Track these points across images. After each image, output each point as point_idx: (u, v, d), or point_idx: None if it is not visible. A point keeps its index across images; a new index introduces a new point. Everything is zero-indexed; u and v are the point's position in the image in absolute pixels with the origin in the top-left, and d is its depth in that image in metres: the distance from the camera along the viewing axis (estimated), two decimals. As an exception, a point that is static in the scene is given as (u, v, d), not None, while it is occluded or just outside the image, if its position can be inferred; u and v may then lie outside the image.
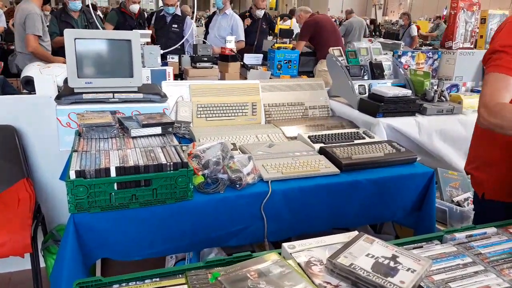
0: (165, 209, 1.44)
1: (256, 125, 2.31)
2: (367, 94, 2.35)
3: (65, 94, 1.84)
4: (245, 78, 3.88)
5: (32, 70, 2.45)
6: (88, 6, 4.08)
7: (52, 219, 2.28)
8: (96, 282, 0.80)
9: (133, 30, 4.24)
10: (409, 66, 2.65)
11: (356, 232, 0.93)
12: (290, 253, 0.85)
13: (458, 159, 2.22)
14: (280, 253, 0.85)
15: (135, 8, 4.53)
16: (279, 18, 4.68)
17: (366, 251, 0.81)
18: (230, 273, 0.73)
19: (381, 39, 3.49)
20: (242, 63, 3.99)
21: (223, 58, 3.77)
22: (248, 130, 2.16)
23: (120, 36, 1.92)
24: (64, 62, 3.45)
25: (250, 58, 4.04)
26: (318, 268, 0.80)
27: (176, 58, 3.78)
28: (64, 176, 1.94)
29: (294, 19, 5.00)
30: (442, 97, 2.36)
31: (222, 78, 3.69)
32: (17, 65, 3.78)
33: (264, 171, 1.66)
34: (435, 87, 2.46)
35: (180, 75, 3.73)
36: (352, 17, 7.06)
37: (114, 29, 4.36)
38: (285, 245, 0.87)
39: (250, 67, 3.91)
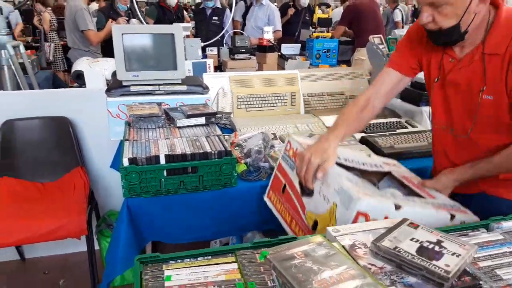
0: (211, 195, 1.51)
1: (295, 115, 2.33)
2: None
3: (114, 86, 1.94)
4: (283, 69, 3.89)
5: (82, 64, 2.59)
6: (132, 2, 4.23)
7: (104, 205, 2.42)
8: (154, 258, 0.87)
9: (172, 23, 4.37)
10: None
11: (399, 218, 0.94)
12: (335, 236, 0.88)
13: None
14: (324, 236, 0.88)
15: (173, 1, 4.64)
16: (317, 7, 4.62)
17: (410, 236, 0.83)
18: (278, 252, 0.78)
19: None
20: (279, 53, 4.00)
21: (261, 49, 3.80)
22: (288, 120, 2.19)
23: (163, 30, 2.00)
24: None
25: (287, 48, 4.04)
26: (362, 250, 0.83)
27: (215, 50, 3.85)
28: (115, 164, 2.06)
29: (335, 10, 4.93)
30: None
31: (260, 69, 3.73)
32: (70, 60, 4.01)
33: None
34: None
35: (219, 67, 3.81)
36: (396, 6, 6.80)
37: (154, 23, 4.50)
38: (329, 228, 0.90)
39: (288, 57, 3.91)
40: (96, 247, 2.18)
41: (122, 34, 1.86)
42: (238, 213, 1.58)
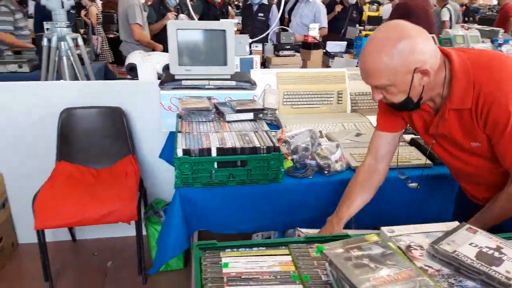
0: (258, 189, 1.55)
1: (341, 113, 2.32)
2: (462, 84, 2.23)
3: (167, 80, 2.02)
4: (327, 66, 3.87)
5: (135, 58, 2.70)
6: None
7: (151, 193, 2.52)
8: (212, 245, 0.92)
9: (217, 18, 4.45)
10: (511, 55, 2.46)
11: (456, 223, 0.94)
12: (390, 237, 0.89)
13: None
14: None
15: None
16: (367, 5, 4.54)
17: (469, 240, 0.82)
18: (334, 248, 0.80)
19: (476, 25, 3.23)
20: (324, 50, 3.97)
21: (306, 46, 3.79)
22: (334, 118, 2.19)
23: (216, 26, 2.05)
24: (162, 50, 3.74)
25: (333, 46, 4.01)
26: (418, 252, 0.84)
27: (260, 47, 3.88)
28: (164, 154, 2.14)
29: (384, 7, 4.83)
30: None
31: (304, 66, 3.72)
32: (121, 52, 4.17)
33: (352, 159, 1.69)
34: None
35: (263, 63, 3.83)
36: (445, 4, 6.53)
37: (199, 18, 4.59)
38: (384, 228, 0.91)
39: (333, 54, 3.88)
40: (143, 232, 2.28)
41: (177, 29, 1.92)
42: (283, 208, 1.61)
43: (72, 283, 2.24)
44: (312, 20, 4.50)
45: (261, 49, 3.84)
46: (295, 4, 4.95)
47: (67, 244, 2.55)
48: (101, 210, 1.96)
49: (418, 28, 1.10)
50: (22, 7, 4.12)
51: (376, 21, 3.90)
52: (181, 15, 4.28)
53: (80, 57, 2.76)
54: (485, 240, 0.82)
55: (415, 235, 0.89)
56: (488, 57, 1.15)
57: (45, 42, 2.61)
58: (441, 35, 2.85)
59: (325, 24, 4.62)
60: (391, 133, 1.39)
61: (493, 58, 1.14)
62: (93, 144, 2.33)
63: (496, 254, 0.78)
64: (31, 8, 4.37)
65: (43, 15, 4.08)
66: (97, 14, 6.16)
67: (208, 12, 4.71)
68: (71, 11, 3.10)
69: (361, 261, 0.75)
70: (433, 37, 2.46)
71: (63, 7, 2.53)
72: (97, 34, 5.93)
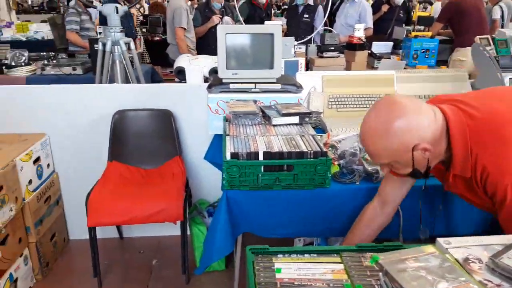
0: (304, 194, 1.55)
1: (389, 117, 2.27)
2: (520, 87, 2.12)
3: (215, 84, 2.06)
4: (373, 67, 3.79)
5: (183, 61, 2.78)
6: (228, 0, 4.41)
7: (195, 194, 2.59)
8: (264, 250, 0.93)
9: (263, 20, 4.47)
10: None
11: (516, 236, 0.90)
12: (446, 248, 0.86)
13: None
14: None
15: None
16: (418, 4, 4.40)
17: (533, 256, 0.79)
18: (390, 258, 0.79)
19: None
20: (370, 51, 3.89)
21: (350, 47, 3.72)
22: (381, 122, 2.14)
23: (264, 30, 2.07)
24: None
25: (379, 47, 3.93)
26: (477, 265, 0.81)
27: (303, 48, 3.86)
28: (208, 156, 2.19)
29: (434, 6, 4.67)
30: None
31: (348, 67, 3.66)
32: (168, 55, 4.31)
33: (401, 164, 1.65)
34: None
35: (306, 64, 3.81)
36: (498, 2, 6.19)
37: (244, 21, 4.64)
38: (440, 240, 0.89)
39: (379, 56, 3.80)
40: (187, 232, 2.34)
41: (226, 34, 1.96)
42: (329, 214, 1.60)
43: (119, 279, 2.33)
44: (357, 20, 4.42)
45: (304, 50, 3.83)
46: (339, 5, 4.89)
47: (114, 241, 2.66)
48: (149, 209, 2.03)
49: (411, 102, 1.10)
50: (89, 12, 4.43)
51: (427, 21, 3.77)
52: (226, 18, 4.36)
53: (131, 61, 2.88)
54: (552, 256, 0.78)
55: (473, 247, 0.86)
56: (490, 130, 1.08)
57: (100, 46, 2.75)
58: (494, 35, 2.71)
59: (370, 24, 4.54)
60: (402, 179, 1.34)
61: (496, 131, 1.07)
62: (143, 145, 2.42)
63: None
64: (93, 16, 4.67)
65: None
66: (136, 15, 6.40)
67: (254, 14, 4.76)
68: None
69: (418, 273, 0.74)
70: (487, 38, 2.36)
71: (117, 12, 2.65)
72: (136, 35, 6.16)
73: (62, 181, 2.53)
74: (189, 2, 5.17)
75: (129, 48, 2.78)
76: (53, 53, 4.12)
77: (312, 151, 1.52)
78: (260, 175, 1.51)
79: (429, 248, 0.82)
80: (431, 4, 4.66)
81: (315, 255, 0.93)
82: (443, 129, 1.11)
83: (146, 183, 2.26)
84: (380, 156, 1.15)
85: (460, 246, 0.86)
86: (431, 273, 0.74)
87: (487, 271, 0.79)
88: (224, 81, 2.06)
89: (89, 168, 2.41)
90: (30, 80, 3.53)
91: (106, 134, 2.36)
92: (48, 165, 2.40)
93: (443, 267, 0.75)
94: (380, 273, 0.78)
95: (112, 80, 2.82)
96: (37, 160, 2.26)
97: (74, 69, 3.67)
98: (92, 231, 2.09)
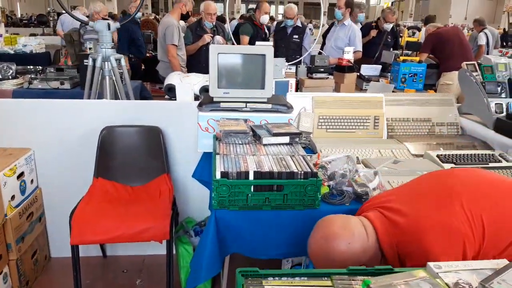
0: (294, 214, 1.54)
1: (377, 139, 2.29)
2: (504, 113, 2.17)
3: (206, 102, 2.06)
4: (361, 90, 3.85)
5: (174, 79, 2.78)
6: (224, 20, 4.46)
7: (182, 211, 2.55)
8: (254, 272, 0.91)
9: (265, 40, 4.54)
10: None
11: (505, 261, 0.90)
12: (437, 273, 0.86)
13: None
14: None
15: (265, 19, 4.82)
16: (406, 30, 4.53)
17: (523, 282, 0.79)
18: (381, 282, 0.78)
19: (515, 51, 3.18)
20: (358, 74, 3.96)
21: (339, 69, 3.80)
22: (370, 144, 2.16)
23: (256, 51, 2.08)
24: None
25: (367, 69, 4.01)
26: (469, 291, 0.80)
27: (293, 69, 3.92)
28: (196, 174, 2.17)
29: (422, 32, 4.81)
30: None
31: (337, 89, 3.72)
32: (158, 71, 4.31)
33: (390, 188, 1.66)
34: None
35: (296, 85, 3.86)
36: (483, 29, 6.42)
37: (249, 40, 4.70)
38: (430, 264, 0.88)
39: (368, 78, 3.87)
40: (173, 252, 2.29)
41: (218, 53, 1.97)
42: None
43: (102, 300, 2.26)
44: (346, 43, 4.51)
45: (294, 71, 3.88)
46: (330, 28, 4.99)
47: (97, 260, 2.59)
48: (134, 228, 1.98)
49: (346, 231, 1.23)
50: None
51: (414, 46, 3.90)
52: (217, 37, 4.40)
53: (121, 77, 2.87)
54: (542, 283, 0.78)
55: (463, 272, 0.86)
56: (414, 241, 1.16)
57: (90, 62, 2.73)
58: (480, 61, 2.78)
59: (359, 47, 4.63)
60: None
61: (419, 242, 1.15)
62: (130, 162, 2.39)
63: (556, 299, 0.74)
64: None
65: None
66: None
67: (257, 34, 4.84)
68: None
69: (410, 299, 0.73)
70: (474, 64, 2.42)
71: (109, 29, 2.65)
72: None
73: (46, 197, 2.47)
74: (182, 21, 5.22)
75: (119, 64, 2.77)
76: (40, 67, 4.08)
77: (302, 172, 1.51)
78: (250, 194, 1.49)
79: (420, 273, 0.81)
80: (419, 30, 4.80)
81: (306, 278, 0.91)
82: (376, 246, 1.24)
83: (132, 201, 2.22)
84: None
85: (451, 271, 0.86)
86: (423, 299, 0.73)
87: (479, 297, 0.79)
88: (215, 99, 2.06)
89: (74, 185, 2.36)
90: (17, 93, 3.48)
91: (93, 150, 2.32)
92: (32, 180, 2.34)
93: (434, 292, 0.75)
94: (372, 298, 0.77)
95: (100, 96, 2.79)
96: (20, 175, 2.21)
97: (62, 83, 3.64)
98: (74, 249, 2.03)
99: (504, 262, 0.90)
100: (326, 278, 0.91)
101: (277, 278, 0.91)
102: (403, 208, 1.23)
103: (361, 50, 4.66)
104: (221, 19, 5.66)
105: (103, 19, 4.06)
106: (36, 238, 2.36)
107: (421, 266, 1.04)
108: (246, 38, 4.74)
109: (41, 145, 2.38)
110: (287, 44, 4.73)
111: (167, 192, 2.25)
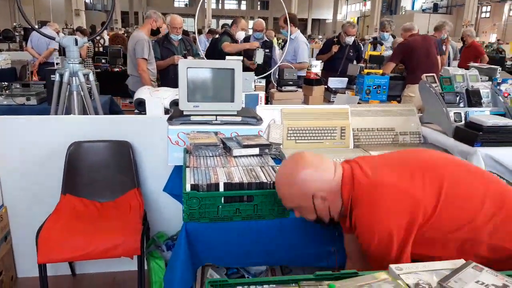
0: (264, 224, 1.56)
1: (344, 149, 2.36)
2: (463, 122, 2.29)
3: (176, 115, 2.07)
4: (329, 101, 3.95)
5: (143, 93, 2.77)
6: (188, 34, 4.48)
7: (154, 226, 2.52)
8: (223, 282, 0.93)
9: (241, 55, 4.58)
10: (509, 94, 2.53)
11: (462, 261, 0.95)
12: (398, 274, 0.90)
13: None
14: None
15: (241, 35, 4.88)
16: (370, 44, 4.70)
17: (475, 278, 0.84)
18: (345, 285, 0.81)
19: (475, 64, 3.34)
20: (326, 86, 4.07)
21: (308, 82, 3.89)
22: (337, 153, 2.22)
23: (225, 65, 2.12)
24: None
25: (334, 82, 4.12)
26: (427, 290, 0.85)
27: (263, 82, 3.98)
28: (167, 188, 2.16)
29: (384, 46, 5.00)
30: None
31: (306, 101, 3.81)
32: (128, 86, 4.27)
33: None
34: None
35: (266, 98, 3.92)
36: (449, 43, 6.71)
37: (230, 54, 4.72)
38: (392, 266, 0.93)
39: (335, 90, 3.98)
40: (145, 267, 2.26)
41: (187, 68, 1.99)
42: (290, 244, 1.61)
43: (72, 319, 2.20)
44: (293, 55, 4.63)
45: (264, 84, 3.94)
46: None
47: (66, 279, 2.52)
48: (104, 244, 1.96)
49: (315, 158, 1.34)
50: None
51: (377, 59, 4.03)
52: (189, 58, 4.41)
53: (90, 92, 2.84)
54: (491, 278, 0.84)
55: (423, 272, 0.90)
56: (367, 193, 1.26)
57: (57, 77, 2.69)
58: (440, 73, 2.92)
59: (303, 59, 4.71)
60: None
61: (370, 195, 1.26)
62: (99, 177, 2.36)
63: (504, 293, 0.79)
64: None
65: None
66: (88, 47, 6.42)
67: None
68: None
69: (372, 299, 0.76)
70: (433, 76, 2.54)
71: (76, 44, 2.63)
72: (87, 67, 6.14)
73: (12, 215, 2.40)
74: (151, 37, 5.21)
75: (87, 79, 2.75)
76: (6, 83, 3.97)
77: (272, 182, 1.54)
78: (220, 206, 1.51)
79: (382, 275, 0.85)
80: (381, 44, 4.98)
81: (274, 285, 0.93)
82: (339, 184, 1.32)
83: (101, 217, 2.19)
84: (286, 200, 1.39)
85: (411, 272, 0.91)
86: (384, 299, 0.76)
87: (436, 295, 0.83)
88: (185, 113, 2.07)
89: (41, 202, 2.30)
90: (-18, 110, 3.37)
91: (60, 166, 2.28)
92: (-4, 199, 2.27)
93: (395, 292, 0.79)
94: (337, 301, 0.80)
95: (68, 111, 2.75)
96: (-16, 194, 2.14)
97: (28, 99, 3.55)
98: (42, 268, 1.98)
99: (461, 261, 0.95)
100: (294, 284, 0.94)
101: (246, 286, 0.93)
102: (369, 172, 1.31)
103: (307, 61, 4.77)
104: (185, 33, 5.68)
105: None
106: (1, 258, 2.28)
107: (367, 226, 1.22)
108: (228, 46, 4.74)
109: (6, 162, 2.32)
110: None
111: (138, 207, 2.23)
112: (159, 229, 2.55)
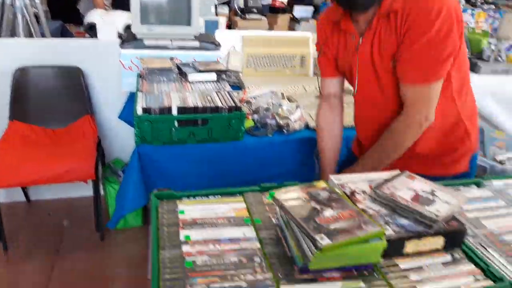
0: (219, 147, 1.58)
1: (304, 77, 2.36)
2: None
3: (129, 39, 1.97)
4: (293, 31, 3.87)
5: (94, 16, 2.59)
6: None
7: (110, 153, 2.48)
8: (169, 194, 0.95)
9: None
10: (467, 24, 2.56)
11: (398, 171, 1.01)
12: (337, 184, 0.95)
13: (509, 121, 2.19)
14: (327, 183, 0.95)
15: None
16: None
17: (407, 185, 0.90)
18: (285, 192, 0.84)
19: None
20: (291, 15, 3.96)
21: (273, 10, 3.77)
22: (296, 81, 2.22)
23: (180, -16, 2.00)
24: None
25: (300, 11, 4.00)
26: (361, 196, 0.90)
27: (226, 9, 3.81)
28: (123, 115, 2.12)
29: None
30: (498, 57, 2.30)
31: (271, 30, 3.71)
32: (79, 10, 3.97)
33: (310, 119, 1.74)
34: (493, 47, 2.38)
35: (229, 26, 3.78)
36: None
37: None
38: (332, 176, 0.97)
39: (300, 19, 3.88)
40: (101, 192, 2.25)
41: (139, -15, 1.87)
42: (244, 167, 1.65)
43: (27, 244, 2.19)
44: None
45: (227, 11, 3.78)
46: None
47: (21, 205, 2.48)
48: (57, 169, 1.93)
49: None
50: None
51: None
52: None
53: (36, 16, 2.62)
54: (422, 185, 0.90)
55: (359, 182, 0.96)
56: None
57: (-2, -3, 2.46)
58: None
59: None
60: (336, 78, 1.42)
61: None
62: (49, 104, 2.26)
63: (430, 196, 0.85)
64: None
65: None
66: None
67: None
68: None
69: (309, 204, 0.80)
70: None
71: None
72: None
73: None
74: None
75: (33, 1, 2.52)
76: None
77: (227, 106, 1.54)
78: (173, 129, 1.50)
79: (321, 184, 0.89)
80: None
81: (219, 196, 0.97)
82: None
83: (53, 143, 2.13)
84: None
85: (349, 182, 0.96)
86: (320, 204, 0.81)
87: (369, 200, 0.89)
88: (138, 36, 1.98)
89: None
90: None
91: (6, 93, 2.15)
92: None
93: (331, 198, 0.83)
94: (277, 207, 0.84)
95: (13, 36, 2.55)
96: None
97: (-33, 22, 3.24)
98: (-6, 194, 1.95)
99: (396, 172, 1.00)
100: (239, 195, 0.98)
101: (191, 198, 0.95)
102: None
103: None
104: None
105: None
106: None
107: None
108: None
109: None
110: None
111: (91, 133, 2.18)
112: (116, 156, 2.51)
